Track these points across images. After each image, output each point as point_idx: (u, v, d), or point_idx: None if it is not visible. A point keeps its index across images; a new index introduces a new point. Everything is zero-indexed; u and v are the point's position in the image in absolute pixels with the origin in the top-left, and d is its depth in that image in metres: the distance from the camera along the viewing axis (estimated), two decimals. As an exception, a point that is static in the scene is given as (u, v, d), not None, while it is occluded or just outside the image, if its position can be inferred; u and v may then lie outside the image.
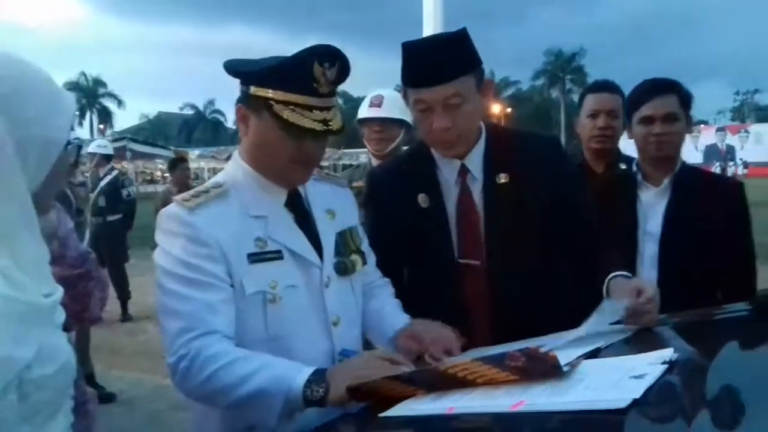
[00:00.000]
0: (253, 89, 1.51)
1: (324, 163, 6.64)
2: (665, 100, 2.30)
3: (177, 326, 1.43)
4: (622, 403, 0.98)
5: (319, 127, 1.49)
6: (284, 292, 1.52)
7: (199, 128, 76.55)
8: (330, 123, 1.51)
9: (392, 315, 1.77)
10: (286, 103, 1.47)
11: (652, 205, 2.36)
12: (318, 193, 1.71)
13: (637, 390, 1.03)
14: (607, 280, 1.70)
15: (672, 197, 2.33)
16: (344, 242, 1.69)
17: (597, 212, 2.02)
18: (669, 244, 2.28)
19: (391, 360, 1.40)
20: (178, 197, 1.54)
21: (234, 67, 1.57)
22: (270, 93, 1.48)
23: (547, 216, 1.86)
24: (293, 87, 1.47)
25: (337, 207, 1.72)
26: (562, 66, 69.62)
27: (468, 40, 1.76)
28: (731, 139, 51.59)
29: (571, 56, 69.47)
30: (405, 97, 1.84)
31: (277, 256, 1.53)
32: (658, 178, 2.37)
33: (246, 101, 1.54)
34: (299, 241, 1.58)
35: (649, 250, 2.33)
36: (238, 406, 1.40)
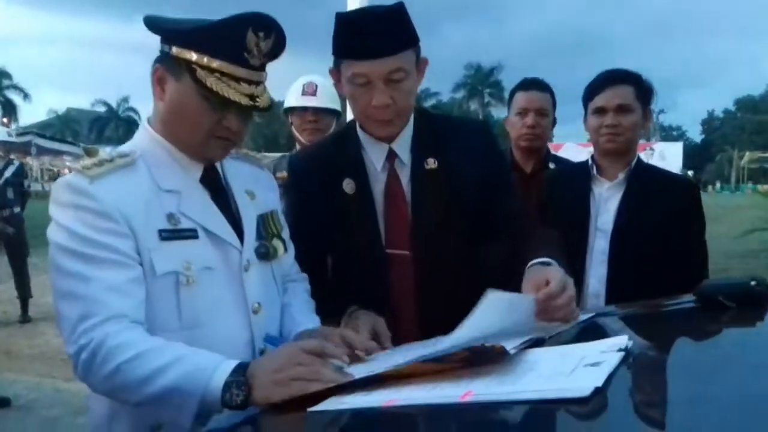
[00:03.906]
0: (175, 50, 1.35)
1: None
2: (619, 90, 2.24)
3: (76, 311, 1.25)
4: (585, 392, 0.89)
5: (245, 101, 1.35)
6: (199, 275, 1.36)
7: (111, 126, 73.56)
8: (257, 99, 1.37)
9: (299, 313, 1.61)
10: (211, 70, 1.33)
11: (606, 200, 2.30)
12: (237, 172, 1.57)
13: (597, 378, 0.94)
14: (527, 267, 1.56)
15: (626, 192, 2.27)
16: (265, 225, 1.55)
17: (543, 207, 1.95)
18: (620, 240, 2.23)
19: (320, 352, 1.24)
20: (78, 165, 1.35)
21: (155, 23, 1.40)
22: (194, 56, 1.33)
23: (476, 202, 1.77)
24: (222, 53, 1.33)
25: (257, 189, 1.59)
26: (481, 80, 71.25)
27: (407, 15, 1.64)
28: (638, 156, 54.32)
29: (489, 71, 71.24)
30: (336, 71, 1.71)
31: (191, 234, 1.38)
32: (613, 172, 2.31)
33: (165, 62, 1.38)
34: (216, 220, 1.44)
35: (599, 245, 2.27)
36: (147, 404, 1.23)
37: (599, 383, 0.91)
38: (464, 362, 1.12)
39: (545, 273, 1.45)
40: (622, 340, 1.11)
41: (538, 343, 1.26)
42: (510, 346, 1.14)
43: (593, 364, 1.02)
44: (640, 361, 1.09)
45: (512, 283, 1.51)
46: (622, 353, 1.06)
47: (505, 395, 0.96)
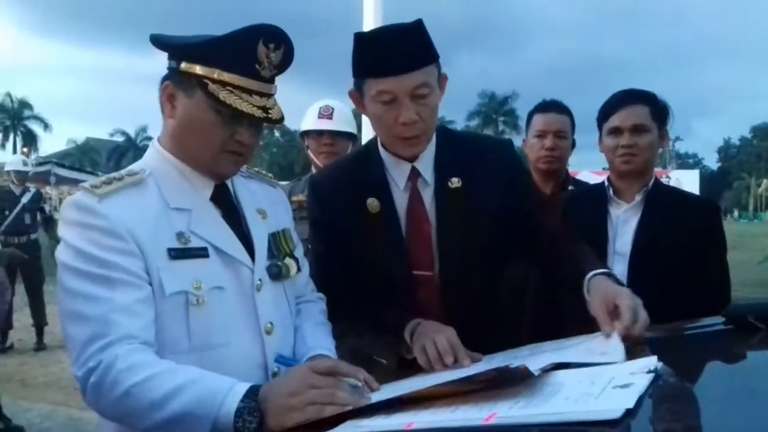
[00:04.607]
0: (184, 65, 1.34)
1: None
2: (635, 110, 2.20)
3: (85, 333, 1.21)
4: (615, 414, 0.85)
5: (258, 113, 1.33)
6: (209, 295, 1.33)
7: (130, 156, 74.12)
8: (270, 111, 1.36)
9: (310, 336, 1.55)
10: (223, 83, 1.31)
11: (623, 222, 2.24)
12: (248, 191, 1.54)
13: (628, 400, 0.90)
14: (586, 280, 1.53)
15: (644, 214, 2.21)
16: (277, 244, 1.52)
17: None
18: (639, 264, 2.16)
19: (333, 372, 1.20)
20: (86, 184, 1.33)
21: (163, 41, 1.39)
22: (205, 70, 1.32)
23: (502, 222, 1.73)
24: (233, 66, 1.32)
25: (268, 207, 1.56)
26: (495, 108, 71.46)
27: (427, 31, 1.63)
28: (654, 184, 54.38)
29: (503, 99, 71.46)
30: (358, 92, 1.69)
31: (201, 253, 1.35)
32: (630, 193, 2.25)
33: (175, 78, 1.37)
34: (227, 239, 1.41)
35: (617, 269, 2.17)
36: (158, 429, 1.19)
37: (630, 405, 0.87)
38: (487, 384, 1.08)
39: (614, 293, 1.44)
40: (652, 362, 1.07)
41: (562, 365, 1.22)
42: (534, 367, 1.11)
43: (623, 386, 0.98)
44: (671, 383, 1.04)
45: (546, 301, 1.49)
46: (652, 375, 1.02)
47: (532, 417, 0.92)
